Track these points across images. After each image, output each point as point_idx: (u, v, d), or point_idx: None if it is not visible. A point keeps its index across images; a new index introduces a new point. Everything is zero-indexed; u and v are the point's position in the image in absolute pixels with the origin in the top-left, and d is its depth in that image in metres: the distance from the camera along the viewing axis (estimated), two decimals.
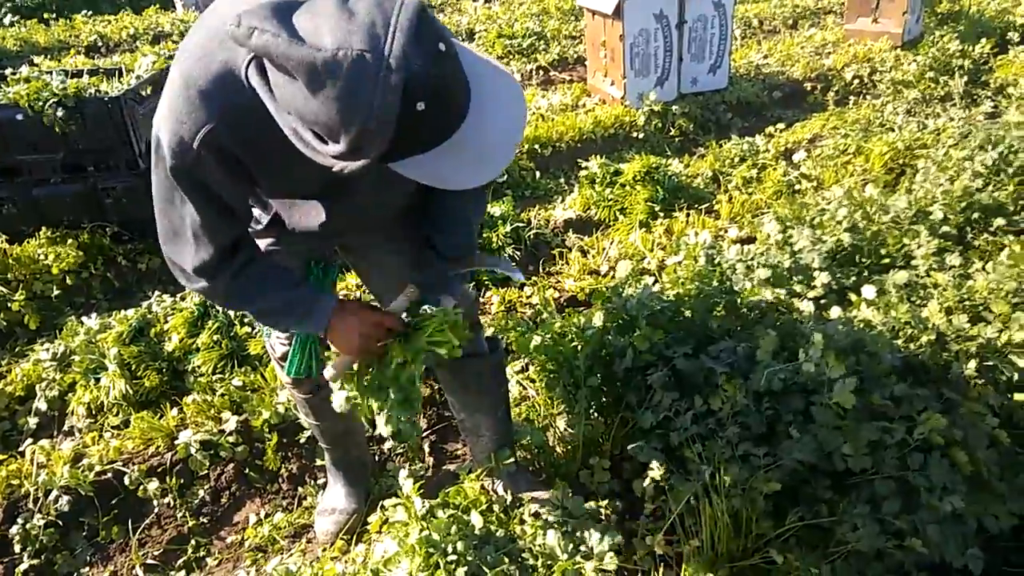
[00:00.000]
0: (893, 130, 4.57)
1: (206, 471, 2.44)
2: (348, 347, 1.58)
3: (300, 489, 2.45)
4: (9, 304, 3.28)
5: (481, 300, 3.25)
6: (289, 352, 1.83)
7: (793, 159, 4.34)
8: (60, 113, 3.38)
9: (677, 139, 5.22)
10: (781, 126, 5.13)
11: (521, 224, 3.77)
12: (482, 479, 2.13)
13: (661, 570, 1.90)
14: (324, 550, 2.17)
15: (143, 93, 3.73)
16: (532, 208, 4.19)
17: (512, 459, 2.13)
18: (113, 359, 2.76)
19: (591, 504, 2.03)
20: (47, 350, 2.92)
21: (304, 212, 1.57)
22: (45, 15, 9.72)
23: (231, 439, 2.48)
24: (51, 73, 3.67)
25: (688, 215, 3.86)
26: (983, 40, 5.97)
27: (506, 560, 1.74)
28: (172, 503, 2.38)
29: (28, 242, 3.63)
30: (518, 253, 3.59)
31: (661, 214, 3.93)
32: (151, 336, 2.94)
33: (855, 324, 2.02)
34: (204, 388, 2.70)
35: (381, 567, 1.80)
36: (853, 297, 2.22)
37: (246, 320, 2.99)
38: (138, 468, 2.40)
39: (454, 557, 1.71)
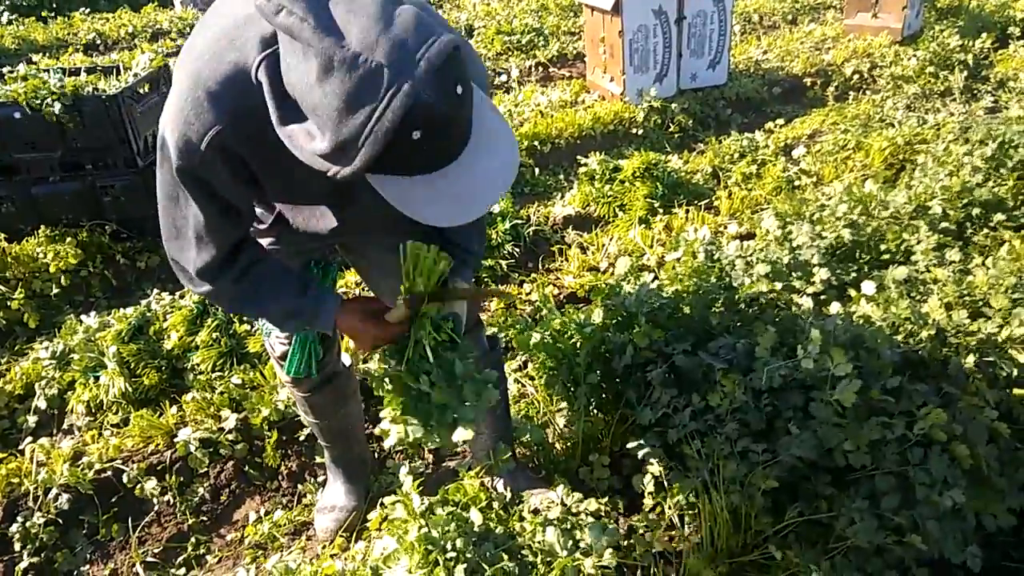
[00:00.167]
0: (893, 125, 4.56)
1: (206, 469, 2.44)
2: (358, 343, 1.59)
3: (300, 487, 2.45)
4: (8, 303, 3.28)
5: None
6: (289, 351, 1.83)
7: (793, 155, 4.34)
8: (58, 111, 3.38)
9: (676, 135, 5.21)
10: (781, 122, 5.12)
11: (520, 221, 3.76)
12: (482, 476, 2.13)
13: (661, 567, 1.90)
14: (324, 547, 2.17)
15: (141, 91, 3.72)
16: (531, 205, 4.18)
17: (510, 456, 2.13)
18: (112, 357, 2.76)
19: (591, 501, 2.03)
20: (46, 348, 2.92)
21: (309, 214, 1.57)
22: (43, 13, 9.71)
23: (230, 437, 2.48)
24: (49, 71, 3.66)
25: (687, 211, 3.85)
26: (983, 35, 5.96)
27: (505, 557, 1.74)
28: (172, 501, 2.38)
29: (27, 241, 3.62)
30: (517, 250, 3.59)
31: (660, 210, 3.93)
32: (150, 334, 2.94)
33: (854, 320, 2.02)
34: (203, 386, 2.70)
35: (380, 564, 1.80)
36: (853, 293, 2.21)
37: (245, 318, 2.99)
38: (138, 466, 2.40)
39: (453, 554, 1.71)
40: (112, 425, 2.64)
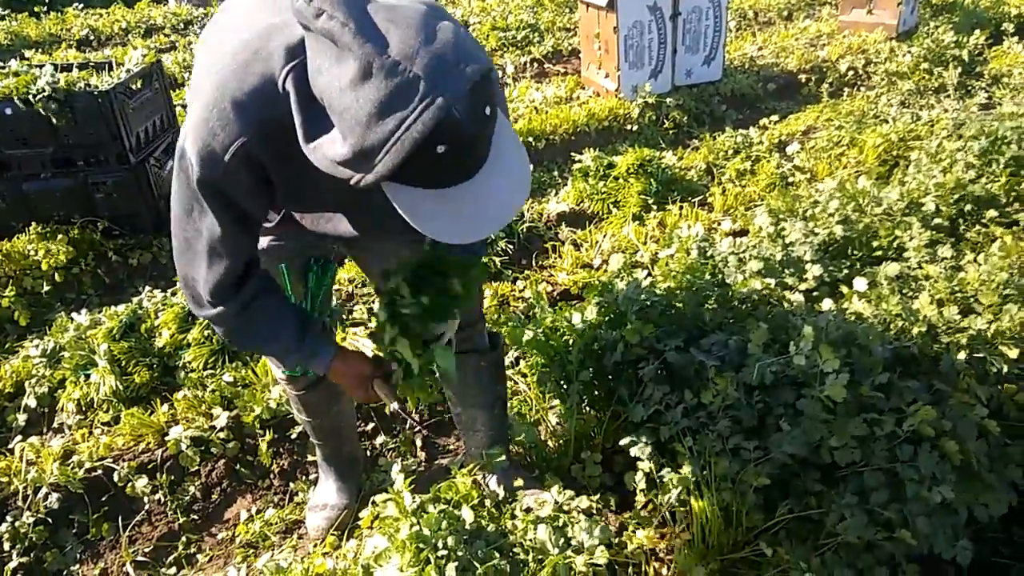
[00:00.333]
0: (887, 122, 4.56)
1: (197, 467, 2.43)
2: (347, 390, 1.68)
3: (291, 485, 2.44)
4: None
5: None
6: None
7: (787, 151, 4.33)
8: (50, 106, 3.35)
9: (671, 131, 5.20)
10: (775, 118, 5.12)
11: (514, 217, 3.75)
12: (475, 475, 2.13)
13: (652, 564, 1.90)
14: (315, 546, 2.16)
15: (133, 87, 3.70)
16: (525, 201, 4.17)
17: (504, 456, 2.12)
18: (103, 355, 2.75)
19: (582, 498, 2.02)
20: (37, 346, 2.90)
21: (319, 217, 1.56)
22: (36, 8, 9.65)
23: (222, 435, 2.47)
24: (41, 67, 3.64)
25: (681, 208, 3.85)
26: (977, 31, 5.96)
27: (497, 555, 1.73)
28: (162, 500, 2.37)
29: (18, 238, 3.60)
30: (511, 247, 3.58)
31: (654, 207, 3.92)
32: (142, 332, 2.93)
33: (846, 316, 2.01)
34: (195, 384, 2.69)
35: (372, 563, 1.79)
36: (845, 289, 2.21)
37: None
38: (128, 465, 2.39)
39: (444, 552, 1.70)
40: (103, 423, 2.63)
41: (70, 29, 8.71)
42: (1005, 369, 1.86)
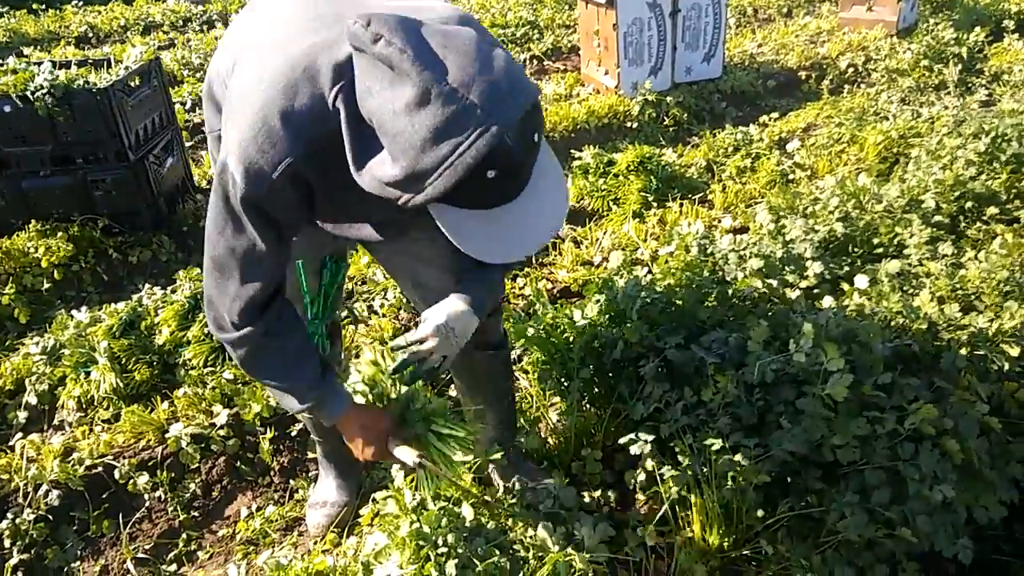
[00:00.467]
0: (887, 119, 4.55)
1: (197, 465, 2.43)
2: (356, 447, 1.61)
3: (291, 482, 2.44)
4: None
5: None
6: None
7: (787, 148, 4.32)
8: (49, 104, 3.35)
9: (671, 129, 5.19)
10: (775, 115, 5.11)
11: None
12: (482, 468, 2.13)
13: (652, 561, 1.90)
14: (315, 543, 2.16)
15: (132, 84, 3.70)
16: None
17: (513, 450, 2.13)
18: (103, 353, 2.74)
19: (583, 495, 2.03)
20: (37, 344, 2.90)
21: (346, 223, 1.56)
22: (35, 6, 9.63)
23: (222, 432, 2.47)
24: (39, 64, 3.63)
25: (682, 205, 3.84)
26: (978, 28, 5.95)
27: (497, 552, 1.74)
28: (163, 497, 2.37)
29: (18, 235, 3.60)
30: None
31: (655, 204, 3.92)
32: (142, 329, 2.92)
33: (847, 314, 2.01)
34: (195, 381, 2.69)
35: (372, 560, 1.80)
36: (845, 287, 2.21)
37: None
38: (128, 462, 2.39)
39: (444, 549, 1.70)
40: (103, 421, 2.62)
41: (69, 26, 8.70)
42: (1006, 367, 1.86)
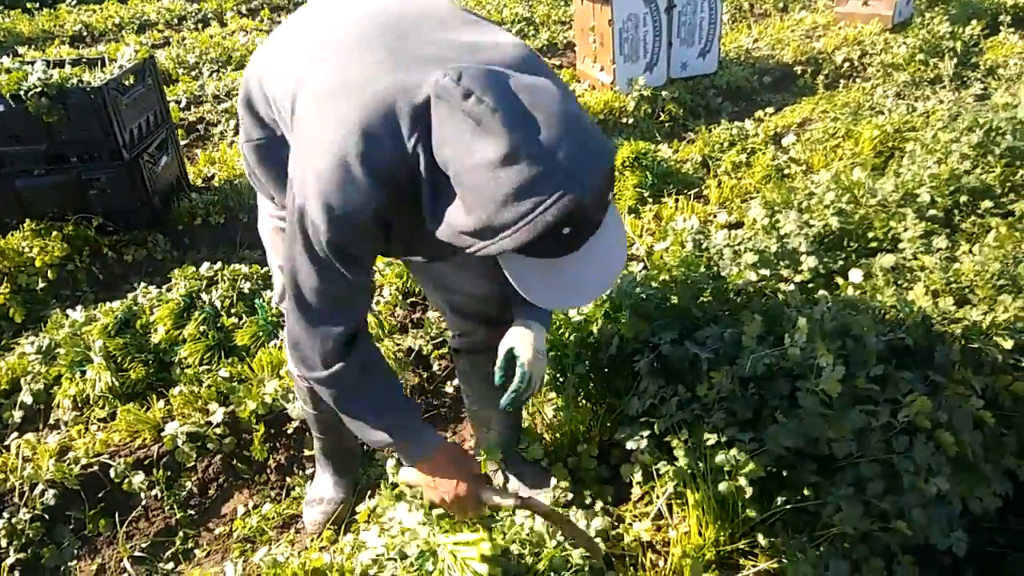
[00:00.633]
0: (883, 113, 4.55)
1: (193, 463, 2.43)
2: (432, 493, 1.56)
3: (288, 480, 2.44)
4: None
5: None
6: None
7: (783, 143, 4.33)
8: (42, 103, 3.34)
9: (667, 124, 5.19)
10: (771, 110, 5.11)
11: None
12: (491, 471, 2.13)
13: (648, 556, 1.90)
14: (312, 540, 2.16)
15: (126, 83, 3.69)
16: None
17: (517, 452, 2.13)
18: (99, 351, 2.74)
19: (579, 491, 2.02)
20: (32, 343, 2.90)
21: None
22: (29, 5, 9.61)
23: (218, 430, 2.47)
24: (33, 63, 3.62)
25: (677, 200, 3.84)
26: (973, 22, 5.95)
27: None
28: (159, 495, 2.37)
29: (12, 235, 3.59)
30: None
31: (650, 200, 3.92)
32: (137, 328, 2.92)
33: (841, 308, 2.01)
34: (190, 379, 2.69)
35: (369, 561, 1.79)
36: (840, 281, 2.21)
37: (232, 311, 2.97)
38: (124, 461, 2.39)
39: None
40: (98, 420, 2.62)
41: (63, 25, 8.67)
42: (1000, 359, 1.86)
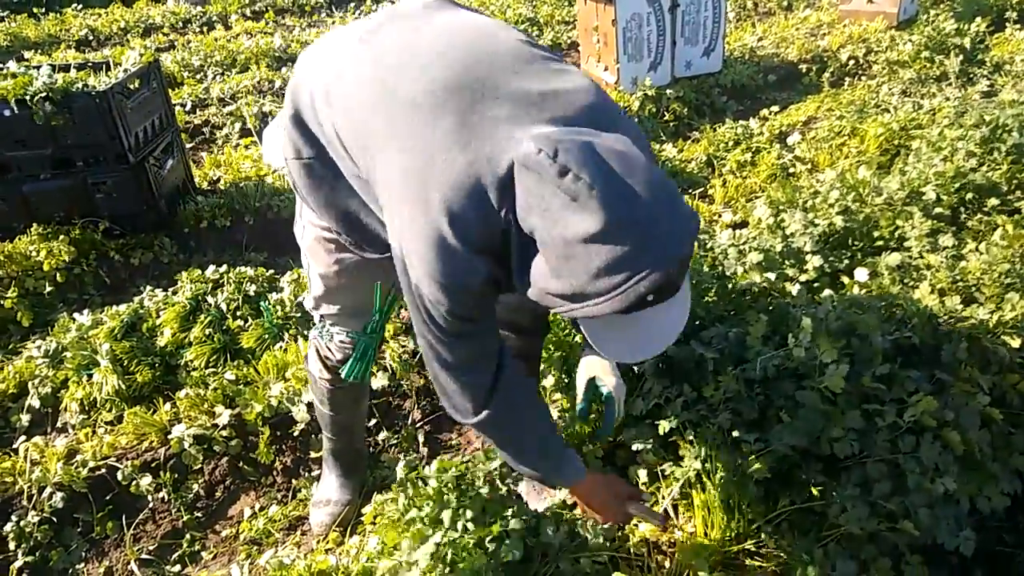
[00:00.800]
0: (888, 111, 4.53)
1: (200, 465, 2.44)
2: (596, 505, 1.72)
3: (294, 481, 2.44)
4: (1, 301, 3.28)
5: None
6: (348, 357, 1.87)
7: (788, 142, 4.31)
8: (48, 108, 3.36)
9: (671, 123, 5.18)
10: (776, 109, 5.09)
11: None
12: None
13: (654, 557, 1.90)
14: (318, 542, 2.17)
15: (131, 87, 3.70)
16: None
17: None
18: (105, 355, 2.75)
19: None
20: (39, 347, 2.91)
21: None
22: (35, 9, 9.66)
23: (224, 433, 2.48)
24: (39, 68, 3.64)
25: None
26: (979, 19, 5.91)
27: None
28: (166, 498, 2.38)
29: (19, 239, 3.61)
30: None
31: None
32: (143, 331, 2.93)
33: (847, 307, 2.01)
34: (197, 382, 2.70)
35: (375, 559, 1.80)
36: (846, 280, 2.20)
37: (239, 313, 2.98)
38: (131, 463, 2.40)
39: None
40: (106, 423, 2.63)
41: (69, 30, 8.72)
42: (1007, 358, 1.85)
